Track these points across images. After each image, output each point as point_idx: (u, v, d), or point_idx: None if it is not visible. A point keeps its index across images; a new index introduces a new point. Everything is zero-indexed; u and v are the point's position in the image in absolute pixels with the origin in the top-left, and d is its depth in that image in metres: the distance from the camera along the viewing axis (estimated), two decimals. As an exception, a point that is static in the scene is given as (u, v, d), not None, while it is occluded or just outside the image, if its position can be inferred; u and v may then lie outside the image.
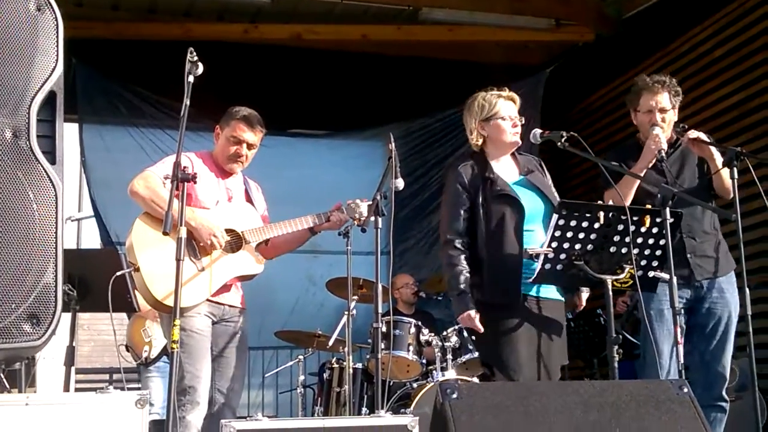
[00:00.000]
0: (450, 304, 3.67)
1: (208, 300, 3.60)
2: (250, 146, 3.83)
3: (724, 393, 3.72)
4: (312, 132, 7.80)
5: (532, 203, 3.53)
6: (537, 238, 3.47)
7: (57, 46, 2.15)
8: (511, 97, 3.66)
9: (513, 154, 3.71)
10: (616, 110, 7.09)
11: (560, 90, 7.54)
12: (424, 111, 7.54)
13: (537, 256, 3.31)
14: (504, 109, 3.60)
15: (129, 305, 3.85)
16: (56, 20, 2.14)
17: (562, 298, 3.58)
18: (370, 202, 3.64)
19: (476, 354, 4.54)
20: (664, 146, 3.71)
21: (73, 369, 3.87)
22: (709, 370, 3.72)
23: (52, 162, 2.11)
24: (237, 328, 3.75)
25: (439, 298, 6.05)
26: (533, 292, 3.47)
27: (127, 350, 5.18)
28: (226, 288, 3.69)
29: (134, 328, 5.23)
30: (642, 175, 3.74)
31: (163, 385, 5.30)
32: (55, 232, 2.08)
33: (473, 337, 3.70)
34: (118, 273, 3.47)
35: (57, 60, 2.14)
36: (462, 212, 3.54)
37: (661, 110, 3.85)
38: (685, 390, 2.70)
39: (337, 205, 3.90)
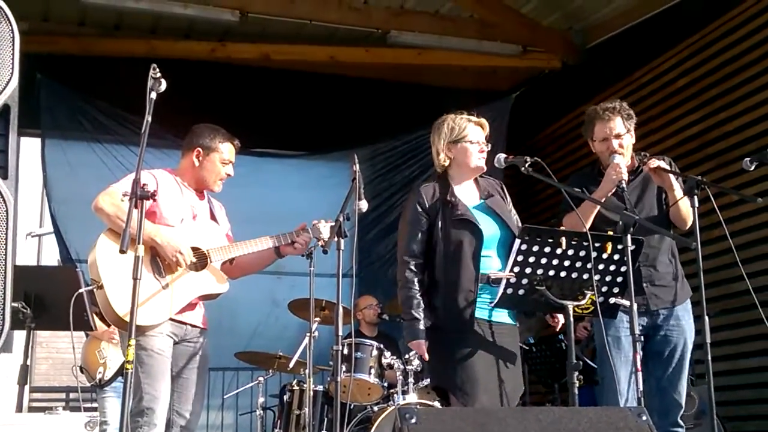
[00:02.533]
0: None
1: (170, 319, 3.54)
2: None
3: (679, 419, 3.73)
4: (279, 152, 7.75)
5: (490, 229, 3.52)
6: (492, 263, 3.46)
7: (12, 58, 2.10)
8: (480, 123, 3.67)
9: (475, 179, 3.72)
10: (580, 137, 7.01)
11: (526, 115, 7.61)
12: (391, 133, 7.56)
13: (497, 281, 3.29)
14: (472, 133, 3.62)
15: (86, 324, 3.78)
16: (12, 32, 2.09)
17: (515, 323, 3.57)
18: (333, 223, 3.62)
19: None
20: (625, 176, 3.71)
21: (27, 388, 3.78)
22: (665, 396, 3.72)
23: (4, 177, 2.06)
24: (198, 348, 3.69)
25: (403, 320, 6.02)
26: (486, 317, 3.45)
27: (82, 371, 5.09)
28: (189, 307, 3.63)
29: (89, 349, 5.14)
30: (602, 201, 3.75)
31: (119, 406, 5.20)
32: (5, 248, 2.02)
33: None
34: (81, 290, 3.40)
35: (12, 72, 2.09)
36: (420, 234, 3.54)
37: (617, 136, 3.87)
38: (644, 418, 2.69)
39: (302, 225, 3.87)
